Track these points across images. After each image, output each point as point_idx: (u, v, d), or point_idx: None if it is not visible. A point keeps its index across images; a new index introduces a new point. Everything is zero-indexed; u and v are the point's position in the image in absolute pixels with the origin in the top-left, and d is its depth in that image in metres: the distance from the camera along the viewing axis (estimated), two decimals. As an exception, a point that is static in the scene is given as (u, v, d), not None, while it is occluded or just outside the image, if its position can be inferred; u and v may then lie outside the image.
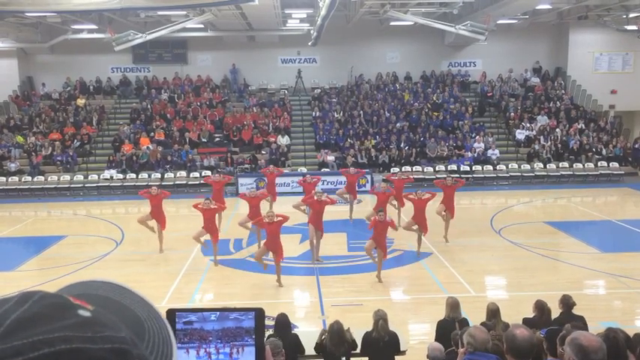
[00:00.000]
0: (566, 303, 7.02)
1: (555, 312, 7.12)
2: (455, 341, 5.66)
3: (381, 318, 6.75)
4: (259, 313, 1.18)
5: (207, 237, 13.11)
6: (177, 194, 22.21)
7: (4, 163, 23.57)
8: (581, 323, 6.21)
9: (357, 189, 18.16)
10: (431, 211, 13.92)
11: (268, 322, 8.43)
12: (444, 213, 14.56)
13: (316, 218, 12.92)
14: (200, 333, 1.16)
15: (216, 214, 13.84)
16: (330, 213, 16.14)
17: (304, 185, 16.23)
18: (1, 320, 0.60)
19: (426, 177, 23.03)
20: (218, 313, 1.18)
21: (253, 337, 1.16)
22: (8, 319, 0.60)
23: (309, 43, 26.25)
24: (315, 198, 13.20)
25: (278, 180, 22.39)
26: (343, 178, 22.31)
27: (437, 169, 23.51)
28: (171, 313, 1.16)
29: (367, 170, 22.65)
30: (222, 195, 16.19)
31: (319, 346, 6.66)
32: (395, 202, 15.90)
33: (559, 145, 24.66)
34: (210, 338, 1.16)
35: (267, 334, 6.84)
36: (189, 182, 23.01)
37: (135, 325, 0.67)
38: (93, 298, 0.67)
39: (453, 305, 7.07)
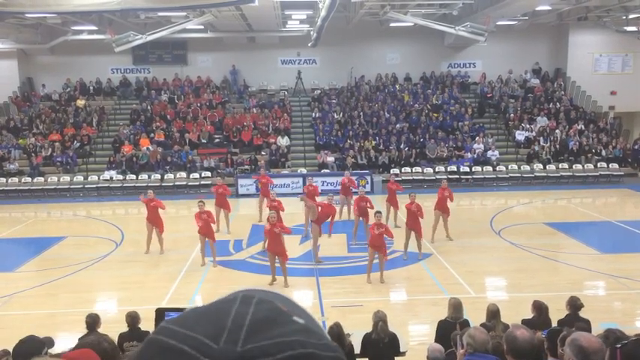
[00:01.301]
0: (574, 305, 7.01)
1: (555, 313, 7.12)
2: (454, 341, 5.66)
3: (380, 319, 6.75)
4: None
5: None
6: (177, 195, 22.24)
7: (4, 164, 23.57)
8: (585, 325, 6.21)
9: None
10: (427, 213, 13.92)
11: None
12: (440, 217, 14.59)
13: (323, 218, 12.92)
14: None
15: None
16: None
17: (308, 190, 16.22)
18: (239, 320, 0.63)
19: (426, 178, 23.06)
20: None
21: None
22: (246, 319, 0.63)
23: (309, 44, 26.27)
24: (326, 202, 13.31)
25: (278, 181, 22.46)
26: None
27: (437, 170, 23.51)
28: (161, 313, 1.17)
29: (367, 171, 22.70)
30: (225, 199, 16.15)
31: None
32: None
33: (559, 146, 24.67)
34: None
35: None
36: (189, 183, 23.01)
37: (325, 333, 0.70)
38: (287, 306, 0.70)
39: (456, 306, 7.06)
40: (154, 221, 14.10)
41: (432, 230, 14.53)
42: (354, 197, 15.76)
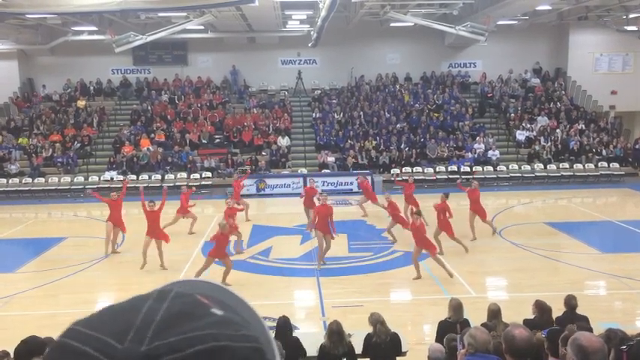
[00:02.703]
0: (568, 303, 7.03)
1: (556, 313, 7.11)
2: (449, 347, 5.63)
3: (377, 322, 6.73)
4: None
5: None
6: (178, 196, 22.20)
7: (5, 165, 23.59)
8: (585, 323, 6.22)
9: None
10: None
11: (269, 324, 8.43)
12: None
13: (323, 223, 12.69)
14: None
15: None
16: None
17: (307, 192, 16.23)
18: (150, 317, 0.61)
19: (427, 178, 23.05)
20: None
21: None
22: (157, 315, 0.61)
23: (310, 45, 26.27)
24: (319, 202, 13.04)
25: (278, 181, 22.49)
26: (343, 179, 22.42)
27: (437, 170, 23.51)
28: None
29: (368, 171, 22.70)
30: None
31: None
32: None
33: (559, 146, 24.65)
34: None
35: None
36: (190, 184, 22.97)
37: (251, 326, 0.68)
38: (209, 297, 0.68)
39: (456, 307, 7.06)
40: (117, 222, 14.17)
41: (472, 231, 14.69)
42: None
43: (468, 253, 13.47)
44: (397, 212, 14.53)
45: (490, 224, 15.07)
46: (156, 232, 13.01)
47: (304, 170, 23.33)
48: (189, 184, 19.89)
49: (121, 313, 0.63)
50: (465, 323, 6.72)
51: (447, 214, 13.05)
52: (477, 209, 14.77)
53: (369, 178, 19.91)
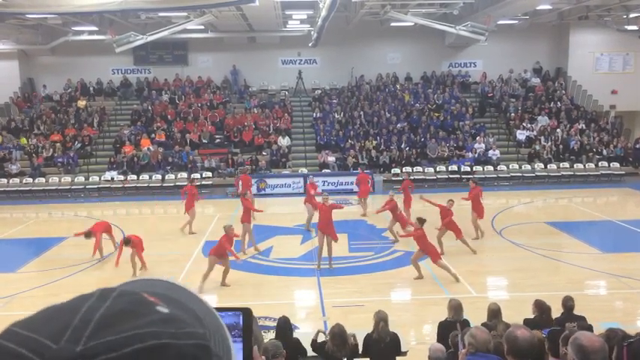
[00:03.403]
0: (565, 304, 7.04)
1: (557, 313, 7.12)
2: (453, 343, 5.66)
3: (381, 319, 6.75)
4: (247, 314, 1.18)
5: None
6: (178, 196, 22.21)
7: (6, 165, 23.60)
8: (585, 323, 6.22)
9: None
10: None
11: (269, 324, 8.44)
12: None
13: (324, 223, 12.64)
14: None
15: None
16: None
17: (307, 187, 16.32)
18: (88, 316, 0.60)
19: (427, 178, 23.06)
20: None
21: (233, 333, 1.16)
22: (96, 314, 0.61)
23: (310, 44, 26.26)
24: (322, 202, 12.97)
25: (279, 181, 22.50)
26: (343, 179, 22.43)
27: (437, 169, 23.50)
28: None
29: (368, 171, 22.69)
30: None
31: (315, 344, 6.68)
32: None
33: (560, 146, 24.65)
34: None
35: (267, 336, 6.85)
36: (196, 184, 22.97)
37: (198, 321, 0.67)
38: (158, 295, 0.68)
39: (456, 307, 7.06)
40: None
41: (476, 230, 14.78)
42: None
43: (467, 252, 13.46)
44: (396, 211, 14.55)
45: (478, 228, 14.93)
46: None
47: (305, 170, 23.33)
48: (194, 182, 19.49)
49: (60, 312, 0.62)
50: (465, 323, 6.73)
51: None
52: (475, 208, 14.79)
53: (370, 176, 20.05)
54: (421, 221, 11.75)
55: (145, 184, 22.93)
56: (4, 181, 22.91)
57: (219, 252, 11.44)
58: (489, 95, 27.92)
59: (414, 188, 16.96)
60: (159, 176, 23.17)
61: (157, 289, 0.70)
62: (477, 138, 24.76)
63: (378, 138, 24.86)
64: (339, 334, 6.49)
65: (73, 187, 22.88)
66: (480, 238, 14.67)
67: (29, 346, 0.58)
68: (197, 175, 23.14)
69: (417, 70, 28.83)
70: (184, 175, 23.19)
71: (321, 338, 6.74)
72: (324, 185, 21.88)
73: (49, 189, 22.75)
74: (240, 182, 18.59)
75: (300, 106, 27.91)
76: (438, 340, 6.58)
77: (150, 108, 26.83)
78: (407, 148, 24.23)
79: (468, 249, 13.45)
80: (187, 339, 0.61)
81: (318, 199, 14.15)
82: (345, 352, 6.48)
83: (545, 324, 6.35)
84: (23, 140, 24.98)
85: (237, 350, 1.17)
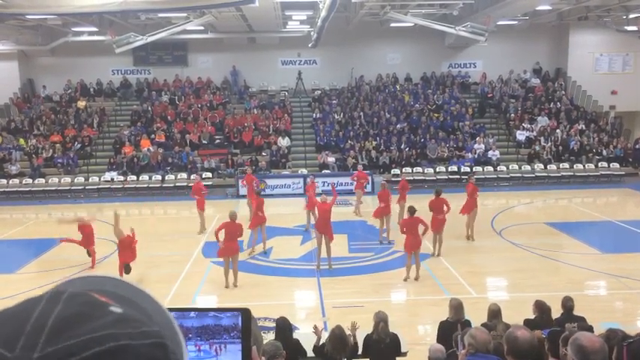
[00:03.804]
0: (565, 305, 7.04)
1: (557, 313, 7.11)
2: (455, 342, 5.66)
3: (381, 320, 6.74)
4: (245, 314, 1.18)
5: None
6: (178, 196, 22.25)
7: (5, 166, 23.60)
8: (585, 323, 6.22)
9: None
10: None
11: (269, 324, 8.43)
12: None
13: (322, 223, 12.60)
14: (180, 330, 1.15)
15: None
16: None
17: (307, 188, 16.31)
18: (41, 321, 0.59)
19: (427, 178, 23.06)
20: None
21: (232, 334, 1.16)
22: (49, 319, 0.59)
23: (310, 45, 26.26)
24: (320, 201, 12.91)
25: (279, 182, 22.48)
26: (344, 180, 22.42)
27: (437, 170, 23.51)
28: None
29: (368, 171, 22.70)
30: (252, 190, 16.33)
31: (317, 349, 6.67)
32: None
33: (560, 146, 24.65)
34: (190, 335, 1.16)
35: (267, 336, 6.84)
36: (190, 184, 22.93)
37: (150, 319, 0.66)
38: (108, 294, 0.67)
39: (457, 307, 7.06)
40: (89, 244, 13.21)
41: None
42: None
43: (467, 253, 13.46)
44: (387, 203, 14.58)
45: (468, 228, 14.89)
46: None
47: (304, 171, 23.33)
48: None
49: (10, 318, 0.60)
50: (466, 324, 6.72)
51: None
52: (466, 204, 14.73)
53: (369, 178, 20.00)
54: (412, 210, 11.80)
55: (145, 185, 22.94)
56: (4, 181, 22.91)
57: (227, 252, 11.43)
58: (489, 96, 27.93)
59: (410, 189, 16.83)
60: (159, 177, 23.17)
61: (106, 288, 0.68)
62: (477, 138, 24.77)
63: (378, 138, 24.86)
64: (339, 337, 6.48)
65: (72, 188, 22.88)
66: (471, 239, 14.63)
67: None
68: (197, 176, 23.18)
69: (416, 70, 28.83)
70: (184, 175, 23.20)
71: (324, 337, 6.72)
72: (324, 186, 21.85)
73: (48, 190, 22.74)
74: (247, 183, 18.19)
75: (299, 106, 27.91)
76: (438, 341, 6.58)
77: (150, 109, 26.83)
78: (407, 149, 24.23)
79: (468, 249, 13.46)
80: (144, 339, 0.60)
81: (317, 198, 14.14)
82: (344, 355, 6.48)
83: (546, 324, 6.35)
84: (21, 141, 24.96)
85: (236, 351, 1.17)
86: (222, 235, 11.36)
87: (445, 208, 13.22)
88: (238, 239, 11.65)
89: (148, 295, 0.71)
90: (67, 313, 0.60)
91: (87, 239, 13.08)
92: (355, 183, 18.89)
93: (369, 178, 20.01)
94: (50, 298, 0.62)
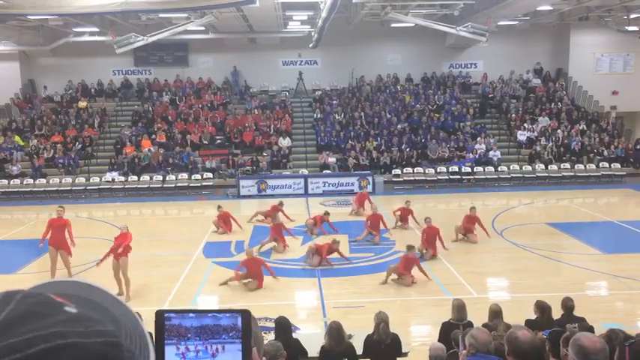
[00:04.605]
0: (565, 305, 7.03)
1: (558, 314, 7.11)
2: (455, 341, 5.66)
3: (382, 321, 6.74)
4: (245, 315, 1.18)
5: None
6: (179, 196, 22.27)
7: (6, 166, 23.61)
8: (586, 324, 6.21)
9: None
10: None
11: (269, 324, 8.43)
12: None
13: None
14: (178, 329, 1.16)
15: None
16: (331, 215, 16.19)
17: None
18: None
19: (428, 178, 23.06)
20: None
21: (231, 334, 1.16)
22: None
23: (310, 45, 26.27)
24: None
25: (279, 182, 22.48)
26: (344, 180, 22.43)
27: (438, 170, 23.49)
28: (161, 314, 1.16)
29: (369, 172, 22.73)
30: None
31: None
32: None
33: (561, 147, 24.63)
34: (189, 335, 1.16)
35: (267, 336, 6.85)
36: (191, 184, 23.01)
37: (112, 320, 0.67)
38: (69, 296, 0.67)
39: (459, 307, 7.06)
40: (60, 244, 12.54)
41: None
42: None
43: (468, 253, 13.45)
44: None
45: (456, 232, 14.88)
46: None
47: (305, 171, 23.34)
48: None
49: None
50: (469, 325, 6.72)
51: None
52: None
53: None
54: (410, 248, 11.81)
55: (146, 185, 22.95)
56: (5, 182, 22.92)
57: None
58: (490, 96, 27.92)
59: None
60: (159, 177, 23.18)
61: (68, 290, 0.69)
62: (478, 139, 24.76)
63: (379, 139, 24.86)
64: (336, 329, 6.50)
65: (73, 188, 22.88)
66: (457, 240, 14.66)
67: None
68: (198, 176, 23.19)
69: (417, 70, 28.83)
70: (185, 176, 23.21)
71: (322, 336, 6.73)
72: (324, 186, 21.90)
73: (49, 190, 22.75)
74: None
75: (300, 107, 27.91)
76: (440, 341, 6.58)
77: (150, 109, 26.85)
78: (407, 149, 24.22)
79: (469, 249, 13.45)
80: (96, 337, 0.61)
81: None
82: (342, 347, 6.48)
83: (547, 325, 6.35)
84: (18, 139, 24.91)
85: (235, 351, 1.17)
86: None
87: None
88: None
89: (114, 298, 0.72)
90: (17, 312, 0.61)
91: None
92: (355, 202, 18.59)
93: (369, 197, 18.88)
94: (4, 299, 0.63)
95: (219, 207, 16.44)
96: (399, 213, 16.25)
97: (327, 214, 15.76)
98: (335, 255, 12.87)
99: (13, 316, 0.60)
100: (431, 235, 13.27)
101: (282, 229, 14.42)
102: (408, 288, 11.65)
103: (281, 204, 16.96)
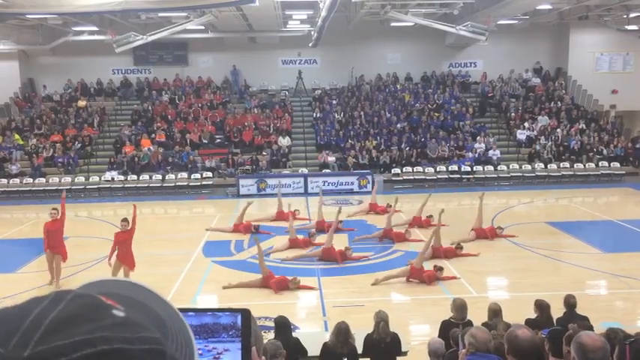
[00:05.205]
0: (567, 302, 7.03)
1: (557, 312, 7.11)
2: (454, 340, 5.66)
3: (382, 320, 6.74)
4: (245, 315, 1.18)
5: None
6: (179, 196, 22.27)
7: (6, 165, 23.60)
8: (587, 322, 6.21)
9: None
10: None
11: (269, 324, 8.43)
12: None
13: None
14: None
15: None
16: (331, 214, 16.16)
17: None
18: (39, 320, 0.59)
19: (427, 178, 23.06)
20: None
21: (231, 332, 1.16)
22: (47, 318, 0.59)
23: (310, 44, 26.27)
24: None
25: (279, 181, 22.45)
26: (344, 179, 22.43)
27: (438, 169, 23.50)
28: None
29: (369, 171, 22.73)
30: None
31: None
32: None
33: (560, 146, 24.63)
34: None
35: (267, 336, 6.84)
36: (191, 184, 23.01)
37: (159, 325, 0.66)
38: (119, 297, 0.67)
39: (461, 307, 7.05)
40: (55, 249, 12.18)
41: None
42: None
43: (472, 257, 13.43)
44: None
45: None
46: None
47: (305, 170, 23.33)
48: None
49: (11, 316, 0.61)
50: (468, 324, 6.71)
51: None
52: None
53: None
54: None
55: (145, 185, 22.94)
56: (5, 181, 22.91)
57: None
58: (489, 95, 27.92)
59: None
60: (159, 176, 23.17)
61: (118, 291, 0.69)
62: (478, 138, 24.76)
63: (379, 138, 24.86)
64: (344, 330, 6.50)
65: (73, 188, 22.84)
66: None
67: None
68: (197, 176, 23.18)
69: (417, 70, 28.82)
70: (185, 175, 23.20)
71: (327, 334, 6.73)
72: (324, 185, 21.86)
73: (49, 189, 22.73)
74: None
75: (300, 106, 27.91)
76: (439, 337, 6.58)
77: (150, 108, 26.83)
78: (407, 148, 24.23)
79: (469, 249, 13.45)
80: (141, 344, 0.60)
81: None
82: (346, 351, 6.49)
83: (546, 324, 6.35)
84: (17, 138, 24.90)
85: (235, 349, 1.17)
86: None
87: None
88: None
89: (163, 300, 0.71)
90: (65, 313, 0.60)
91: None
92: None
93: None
94: (54, 299, 0.63)
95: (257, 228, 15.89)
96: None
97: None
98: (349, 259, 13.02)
99: (61, 317, 0.60)
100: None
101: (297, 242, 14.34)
102: (407, 287, 11.66)
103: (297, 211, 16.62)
